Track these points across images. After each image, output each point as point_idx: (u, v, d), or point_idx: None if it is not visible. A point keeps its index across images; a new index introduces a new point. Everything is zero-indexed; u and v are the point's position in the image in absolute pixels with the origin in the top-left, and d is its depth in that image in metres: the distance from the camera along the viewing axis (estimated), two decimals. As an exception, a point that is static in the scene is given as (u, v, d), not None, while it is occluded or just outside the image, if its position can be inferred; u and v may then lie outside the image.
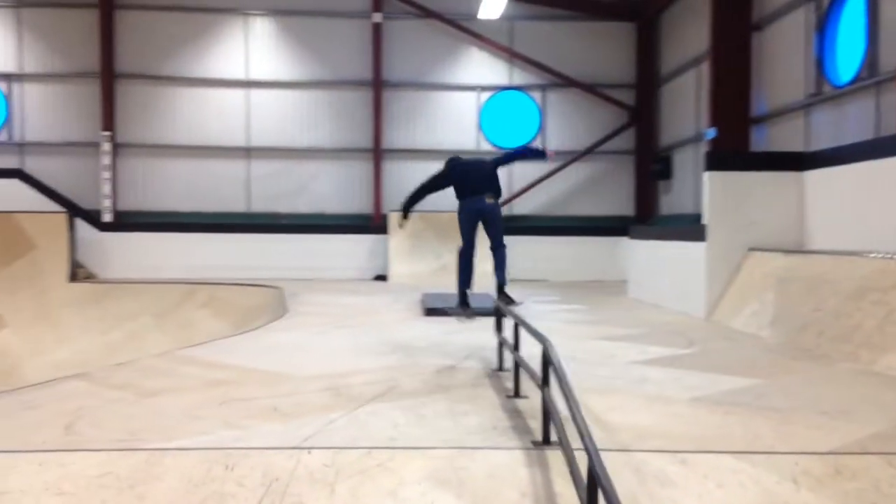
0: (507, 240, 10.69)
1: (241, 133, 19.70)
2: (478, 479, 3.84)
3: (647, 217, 19.85)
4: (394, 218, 18.96)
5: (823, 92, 12.31)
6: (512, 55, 20.09)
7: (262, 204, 19.77)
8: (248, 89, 19.71)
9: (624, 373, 6.74)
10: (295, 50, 19.83)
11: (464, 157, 11.09)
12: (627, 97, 20.24)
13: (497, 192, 10.11)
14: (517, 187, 20.11)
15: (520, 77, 20.31)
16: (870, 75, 11.11)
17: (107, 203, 18.85)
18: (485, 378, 6.40)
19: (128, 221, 19.07)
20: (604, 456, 2.81)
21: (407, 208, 10.91)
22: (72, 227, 17.26)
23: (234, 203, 19.68)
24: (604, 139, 20.20)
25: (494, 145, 20.25)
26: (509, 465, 4.05)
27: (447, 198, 19.72)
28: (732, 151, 13.35)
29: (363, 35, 19.72)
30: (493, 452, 4.23)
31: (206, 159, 19.60)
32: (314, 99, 19.86)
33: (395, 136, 20.07)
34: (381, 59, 19.75)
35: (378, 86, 19.75)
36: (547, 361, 4.34)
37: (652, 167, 19.66)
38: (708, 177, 10.99)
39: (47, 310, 16.27)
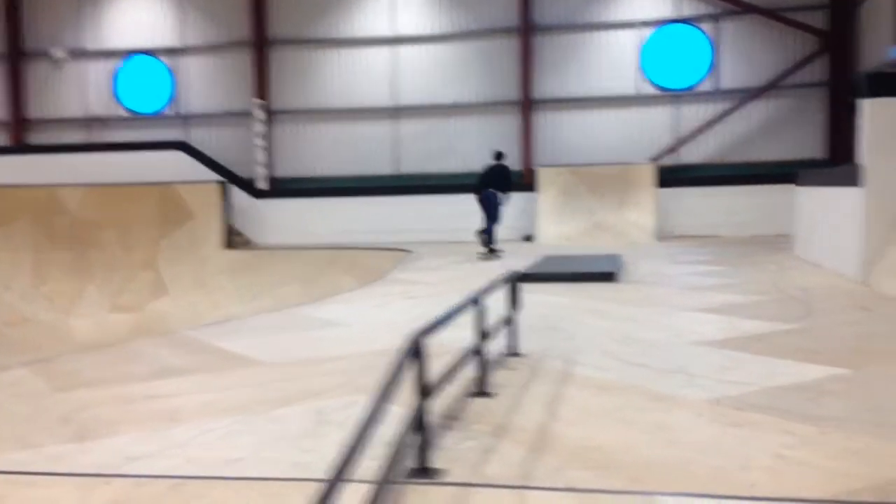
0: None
1: (388, 92, 19.28)
2: None
3: (844, 161, 16.82)
4: (544, 174, 17.70)
5: None
6: (678, -18, 17.83)
7: (411, 165, 19.30)
8: (394, 46, 19.21)
9: (672, 359, 5.29)
10: (439, 0, 18.98)
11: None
12: (818, 20, 17.22)
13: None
14: (684, 131, 17.94)
15: (688, 7, 17.97)
16: None
17: (261, 170, 19.31)
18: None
19: (281, 188, 19.45)
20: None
21: None
22: (226, 195, 17.80)
23: (382, 165, 19.39)
24: (789, 71, 17.39)
25: (658, 87, 18.18)
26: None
27: (599, 150, 18.34)
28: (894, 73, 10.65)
29: (510, -23, 18.45)
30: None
31: (355, 121, 19.45)
32: (460, 51, 18.94)
33: (546, 86, 18.64)
34: (529, 1, 18.32)
35: (526, 31, 18.38)
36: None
37: (851, 100, 16.55)
38: (868, 105, 8.74)
39: (203, 277, 16.93)
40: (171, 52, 20.22)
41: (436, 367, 3.76)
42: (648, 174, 17.42)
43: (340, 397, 4.45)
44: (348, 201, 18.65)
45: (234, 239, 18.15)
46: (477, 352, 4.41)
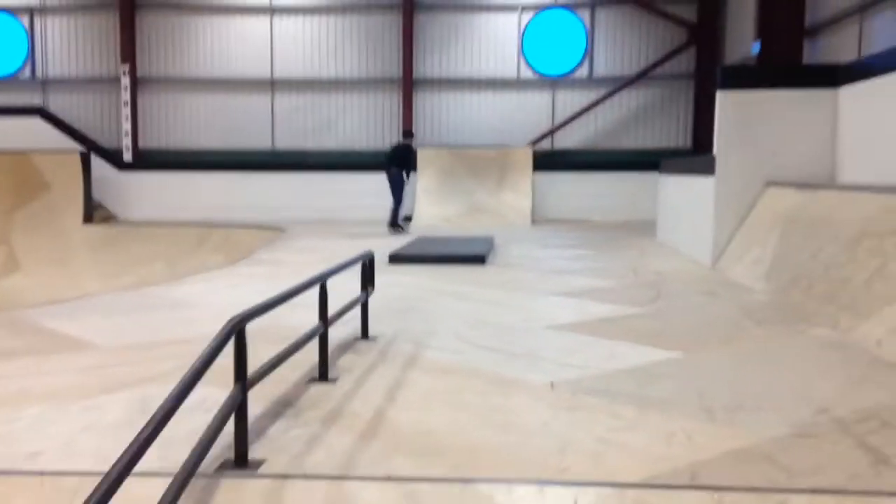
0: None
1: (266, 64, 18.66)
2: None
3: (709, 150, 17.61)
4: (423, 154, 17.64)
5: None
6: (557, -31, 18.06)
7: (287, 141, 18.81)
8: (271, 15, 18.56)
9: (522, 342, 5.36)
10: (319, -29, 18.53)
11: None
12: (688, 12, 17.86)
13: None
14: (559, 119, 18.31)
15: (567, -7, 18.28)
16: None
17: (127, 141, 18.36)
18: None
19: (149, 160, 18.55)
20: None
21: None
22: (88, 166, 16.86)
23: (258, 140, 18.80)
24: (659, 61, 17.98)
25: (537, 73, 18.43)
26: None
27: (478, 132, 18.46)
28: (748, 66, 11.21)
29: (393, -48, 18.20)
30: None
31: (230, 93, 18.74)
32: (341, 25, 18.54)
33: (429, 65, 18.55)
34: (412, -23, 18.17)
35: (410, 8, 18.18)
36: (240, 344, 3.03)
37: (712, 92, 17.29)
38: (719, 97, 9.12)
39: (61, 252, 16.01)
40: (29, 10, 18.78)
41: (273, 351, 3.66)
42: (526, 158, 17.70)
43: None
44: (222, 176, 18.02)
45: (96, 213, 17.24)
46: (320, 335, 4.31)
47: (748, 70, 10.27)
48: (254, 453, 3.17)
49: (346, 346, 5.16)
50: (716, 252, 9.03)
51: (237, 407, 2.99)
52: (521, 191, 17.53)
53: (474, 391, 4.13)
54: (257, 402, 3.88)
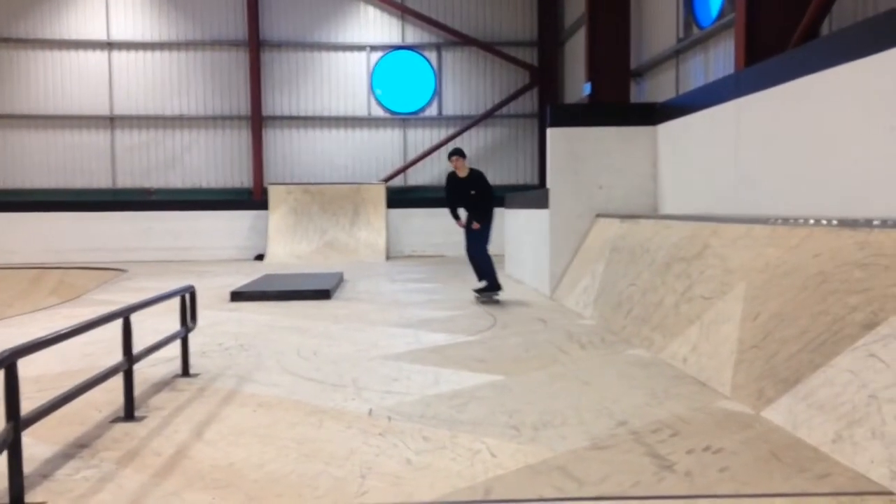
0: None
1: (105, 100, 17.96)
2: None
3: (551, 186, 18.40)
4: (274, 192, 17.38)
5: (692, 34, 10.86)
6: (404, 11, 18.47)
7: (129, 179, 18.10)
8: (109, 51, 17.94)
9: (349, 372, 5.33)
10: (161, 6, 18.04)
11: None
12: (529, 56, 18.72)
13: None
14: (411, 156, 18.60)
15: (413, 35, 18.71)
16: (732, 9, 9.65)
17: (-49, 180, 17.11)
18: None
19: (-25, 200, 17.34)
20: None
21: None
22: None
23: (98, 178, 17.99)
24: (505, 101, 18.70)
25: (388, 110, 18.69)
26: None
27: (331, 169, 18.45)
28: (575, 104, 11.90)
29: (238, -10, 18.03)
30: None
31: (66, 130, 17.88)
32: (184, 61, 18.14)
33: (278, 102, 18.43)
34: (258, 16, 18.03)
35: (255, 46, 18.05)
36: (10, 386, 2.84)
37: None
38: (550, 134, 9.55)
39: None
40: None
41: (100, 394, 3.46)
42: (379, 194, 17.81)
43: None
44: (59, 216, 17.01)
45: (-88, 257, 15.84)
46: (124, 371, 4.12)
47: (575, 108, 10.84)
48: (35, 497, 2.98)
49: (164, 384, 4.95)
50: (553, 281, 9.37)
51: (10, 448, 2.80)
52: (374, 227, 17.59)
53: (287, 423, 4.06)
54: (49, 444, 3.67)
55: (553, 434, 3.78)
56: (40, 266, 15.92)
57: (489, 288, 9.16)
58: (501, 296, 9.31)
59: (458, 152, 9.16)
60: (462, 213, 9.29)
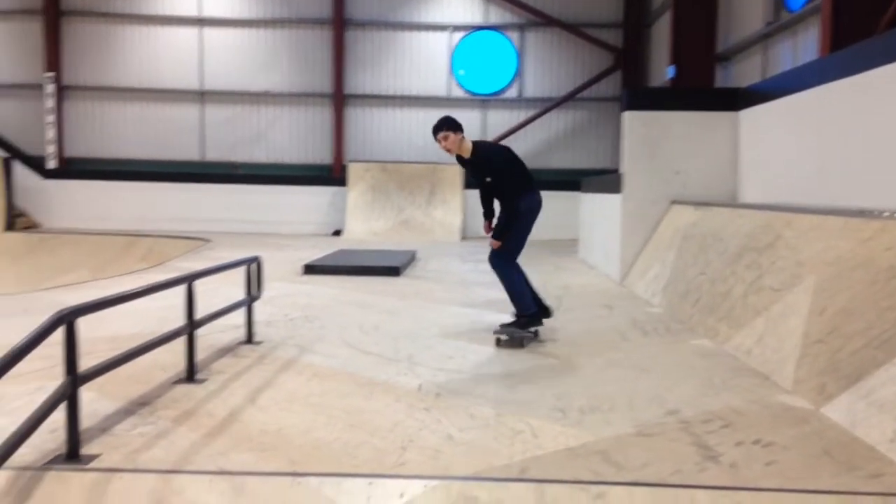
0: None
1: (195, 75, 18.52)
2: None
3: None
4: (354, 169, 17.63)
5: (781, 17, 10.43)
6: (488, -10, 18.37)
7: (217, 152, 18.65)
8: (201, 27, 18.45)
9: (406, 348, 5.42)
10: (250, -16, 18.50)
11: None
12: (614, 38, 18.33)
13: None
14: (490, 137, 18.51)
15: (496, 15, 18.57)
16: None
17: (51, 149, 17.97)
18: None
19: (74, 169, 18.20)
20: None
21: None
22: (9, 173, 16.42)
23: (187, 151, 18.61)
24: (587, 84, 18.39)
25: (467, 91, 18.67)
26: None
27: (409, 148, 18.56)
28: (653, 88, 11.58)
29: (325, -31, 18.28)
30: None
31: (158, 103, 18.53)
32: (271, 38, 18.52)
33: (359, 81, 18.63)
34: (343, -6, 18.28)
35: (339, 24, 18.27)
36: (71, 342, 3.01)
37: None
38: (626, 117, 9.36)
39: (-23, 260, 15.53)
40: (-51, 15, 18.37)
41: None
42: (456, 175, 17.80)
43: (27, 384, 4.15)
44: (150, 186, 17.71)
45: (18, 221, 16.80)
46: (187, 335, 4.29)
47: (653, 92, 10.59)
48: (91, 449, 3.14)
49: (228, 350, 5.13)
50: (623, 268, 9.22)
51: (67, 401, 2.96)
52: (450, 207, 17.64)
53: (339, 393, 4.15)
54: (113, 400, 3.86)
55: (599, 419, 3.75)
56: (132, 234, 16.62)
57: (518, 323, 5.71)
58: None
59: (441, 126, 5.72)
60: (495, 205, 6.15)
